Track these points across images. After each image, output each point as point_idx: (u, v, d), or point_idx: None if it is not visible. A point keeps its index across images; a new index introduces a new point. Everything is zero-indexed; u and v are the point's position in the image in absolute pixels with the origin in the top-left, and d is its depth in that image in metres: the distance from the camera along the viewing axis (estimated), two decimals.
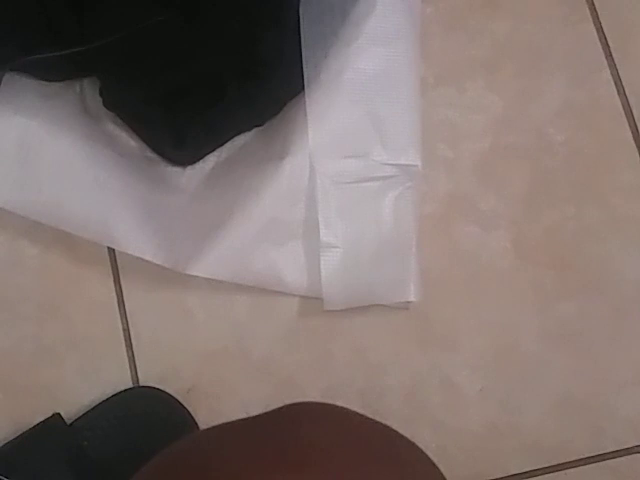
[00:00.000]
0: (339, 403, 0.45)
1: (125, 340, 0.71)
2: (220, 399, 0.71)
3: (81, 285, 0.72)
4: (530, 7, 0.79)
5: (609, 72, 0.78)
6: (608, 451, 0.73)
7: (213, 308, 0.72)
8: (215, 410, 0.71)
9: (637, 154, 0.77)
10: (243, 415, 0.44)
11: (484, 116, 0.77)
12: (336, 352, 0.73)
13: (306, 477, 0.37)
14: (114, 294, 0.72)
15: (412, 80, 0.74)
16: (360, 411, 0.44)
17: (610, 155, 0.77)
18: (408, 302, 0.72)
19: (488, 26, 0.78)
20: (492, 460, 0.73)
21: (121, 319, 0.72)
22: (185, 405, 0.70)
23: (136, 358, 0.71)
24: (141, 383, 0.71)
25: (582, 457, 0.73)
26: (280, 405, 0.44)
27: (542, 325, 0.74)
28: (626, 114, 0.78)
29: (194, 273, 0.68)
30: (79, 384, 0.70)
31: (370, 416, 0.44)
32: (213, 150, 0.73)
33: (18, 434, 0.67)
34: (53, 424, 0.67)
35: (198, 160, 0.73)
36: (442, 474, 0.43)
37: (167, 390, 0.70)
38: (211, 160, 0.74)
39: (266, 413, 0.43)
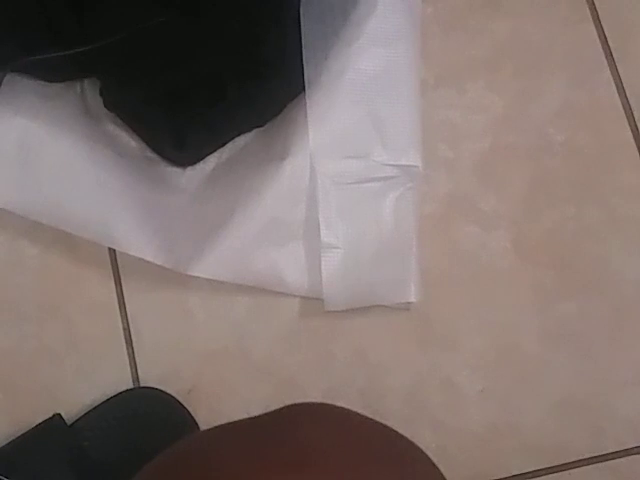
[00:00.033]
0: (340, 403, 0.45)
1: (126, 340, 0.71)
2: (220, 399, 0.71)
3: (81, 285, 0.72)
4: (530, 7, 0.79)
5: (609, 72, 0.78)
6: (608, 451, 0.73)
7: (214, 308, 0.72)
8: (215, 410, 0.71)
9: (637, 154, 0.77)
10: (244, 415, 0.44)
11: (484, 116, 0.77)
12: (337, 352, 0.73)
13: (306, 477, 0.37)
14: (115, 294, 0.72)
15: (412, 80, 0.74)
16: (360, 411, 0.44)
17: (610, 155, 0.77)
18: (409, 302, 0.72)
19: (488, 26, 0.78)
20: (492, 460, 0.73)
21: (121, 319, 0.72)
22: (185, 405, 0.70)
23: (137, 358, 0.71)
24: (142, 383, 0.71)
25: (582, 457, 0.73)
26: (281, 405, 0.44)
27: (542, 325, 0.74)
28: (626, 114, 0.78)
29: (195, 273, 0.68)
30: (79, 384, 0.70)
31: (370, 416, 0.44)
32: (214, 151, 0.73)
33: (18, 434, 0.67)
34: (54, 424, 0.67)
35: (198, 161, 0.73)
36: (442, 474, 0.43)
37: (167, 390, 0.70)
38: (212, 161, 0.74)
39: (266, 413, 0.43)
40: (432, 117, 0.76)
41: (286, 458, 0.38)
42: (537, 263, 0.75)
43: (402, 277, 0.71)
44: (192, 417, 0.70)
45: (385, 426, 0.44)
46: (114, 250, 0.72)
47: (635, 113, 0.78)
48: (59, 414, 0.68)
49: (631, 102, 0.78)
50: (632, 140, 0.77)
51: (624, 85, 0.78)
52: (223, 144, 0.74)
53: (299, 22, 0.69)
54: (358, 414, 0.44)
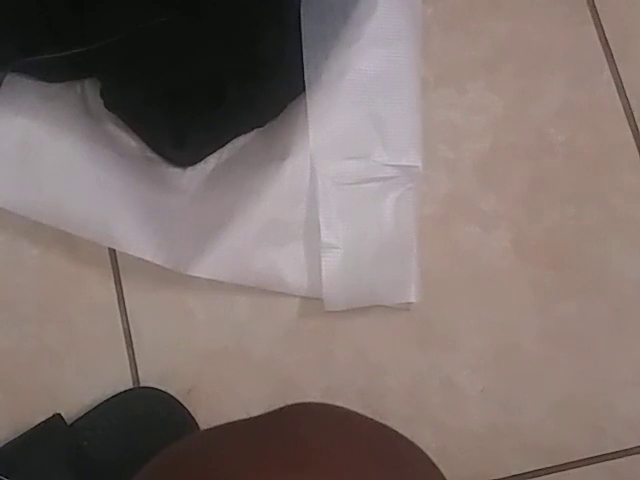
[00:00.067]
0: (339, 403, 0.45)
1: (125, 340, 0.71)
2: (220, 399, 0.71)
3: (81, 285, 0.72)
4: (530, 7, 0.79)
5: (609, 72, 0.78)
6: (608, 452, 0.73)
7: (214, 308, 0.72)
8: (215, 410, 0.71)
9: (637, 154, 0.77)
10: (243, 415, 0.44)
11: (484, 116, 0.77)
12: (337, 352, 0.73)
13: (306, 477, 0.37)
14: (115, 294, 0.72)
15: (413, 81, 0.74)
16: (360, 411, 0.44)
17: (610, 155, 0.77)
18: (409, 303, 0.72)
19: (488, 26, 0.78)
20: (492, 460, 0.73)
21: (121, 319, 0.72)
22: (185, 405, 0.70)
23: (136, 358, 0.71)
24: (141, 383, 0.71)
25: (582, 457, 0.73)
26: (281, 405, 0.44)
27: (542, 325, 0.74)
28: (626, 114, 0.78)
29: (195, 274, 0.68)
30: (79, 384, 0.70)
31: (370, 416, 0.44)
32: (214, 151, 0.73)
33: (18, 434, 0.67)
34: (53, 424, 0.67)
35: (199, 161, 0.73)
36: (442, 474, 0.43)
37: (167, 390, 0.70)
38: (212, 161, 0.74)
39: (266, 413, 0.43)
40: (432, 117, 0.76)
41: (286, 458, 0.38)
42: (537, 263, 0.75)
43: (402, 277, 0.71)
44: (192, 417, 0.70)
45: (385, 426, 0.44)
46: (114, 250, 0.72)
47: (635, 113, 0.78)
48: (59, 414, 0.68)
49: (631, 102, 0.78)
50: (632, 140, 0.77)
51: (624, 85, 0.78)
52: (223, 144, 0.74)
53: (299, 22, 0.69)
54: (358, 414, 0.44)
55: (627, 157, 0.77)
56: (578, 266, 0.75)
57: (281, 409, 0.43)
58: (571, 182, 0.76)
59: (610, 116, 0.78)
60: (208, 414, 0.70)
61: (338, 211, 0.71)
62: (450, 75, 0.77)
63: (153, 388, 0.70)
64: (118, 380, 0.71)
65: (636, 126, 0.77)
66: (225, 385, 0.72)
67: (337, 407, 0.45)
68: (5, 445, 0.66)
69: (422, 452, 0.43)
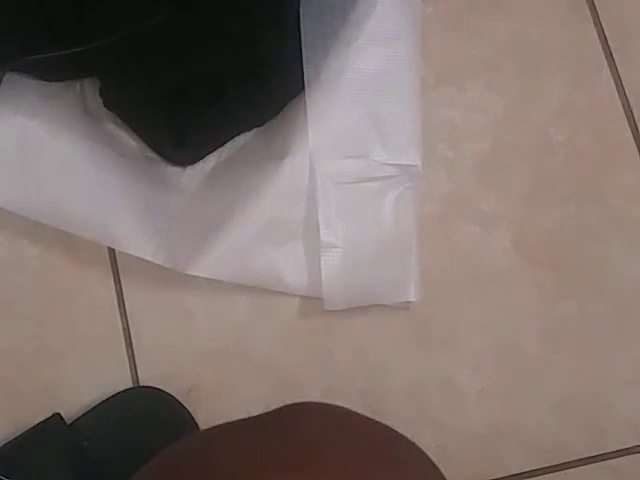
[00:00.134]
0: (339, 403, 0.45)
1: (125, 340, 0.71)
2: (220, 399, 0.71)
3: (81, 285, 0.72)
4: (530, 7, 0.79)
5: (609, 72, 0.78)
6: (608, 451, 0.73)
7: (213, 308, 0.72)
8: (215, 410, 0.71)
9: (637, 154, 0.77)
10: (243, 415, 0.44)
11: (484, 116, 0.77)
12: (336, 352, 0.73)
13: (306, 477, 0.37)
14: (114, 294, 0.72)
15: (412, 80, 0.74)
16: (360, 411, 0.44)
17: (610, 155, 0.77)
18: (408, 302, 0.72)
19: (488, 26, 0.78)
20: (492, 460, 0.73)
21: (121, 319, 0.72)
22: (185, 405, 0.70)
23: (136, 358, 0.71)
24: (141, 383, 0.71)
25: (582, 457, 0.73)
26: (280, 405, 0.44)
27: (542, 325, 0.74)
28: (626, 114, 0.78)
29: (194, 273, 0.68)
30: (79, 384, 0.70)
31: (370, 416, 0.44)
32: (213, 150, 0.73)
33: (18, 434, 0.67)
34: (53, 424, 0.67)
35: (198, 160, 0.73)
36: (442, 474, 0.43)
37: (167, 390, 0.70)
38: (211, 160, 0.74)
39: (266, 413, 0.43)
40: (432, 117, 0.76)
41: (286, 458, 0.38)
42: (537, 263, 0.75)
43: (402, 277, 0.71)
44: (192, 417, 0.70)
45: (385, 426, 0.44)
46: (114, 250, 0.72)
47: (635, 113, 0.78)
48: (59, 414, 0.68)
49: (631, 102, 0.78)
50: (632, 140, 0.77)
51: (624, 85, 0.78)
52: (223, 143, 0.74)
53: (299, 22, 0.69)
54: (358, 414, 0.44)
55: (627, 157, 0.77)
56: (578, 266, 0.75)
57: (281, 409, 0.43)
58: (571, 182, 0.76)
59: (610, 116, 0.78)
60: (208, 414, 0.70)
61: (337, 210, 0.71)
62: (450, 74, 0.77)
63: (153, 388, 0.70)
64: (118, 380, 0.70)
65: (636, 126, 0.77)
66: (225, 385, 0.72)
67: (337, 407, 0.45)
68: (5, 445, 0.66)
69: (422, 452, 0.43)
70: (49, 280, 0.72)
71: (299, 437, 0.40)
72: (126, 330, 0.72)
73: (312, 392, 0.72)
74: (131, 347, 0.71)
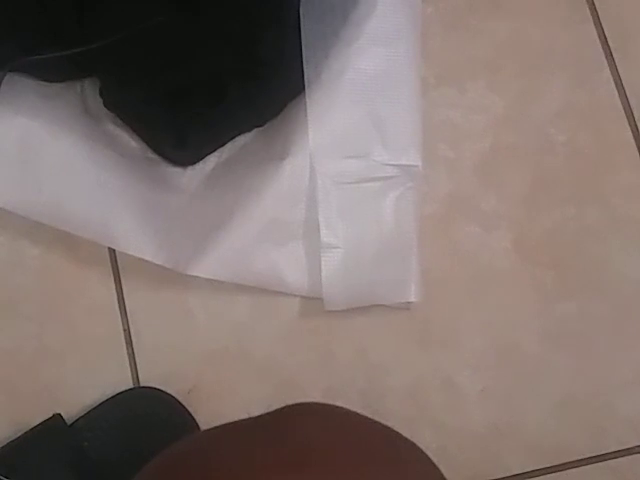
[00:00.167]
0: (340, 403, 0.45)
1: (126, 340, 0.71)
2: (221, 399, 0.71)
3: (82, 285, 0.72)
4: (531, 7, 0.79)
5: (609, 72, 0.78)
6: (609, 451, 0.73)
7: (214, 308, 0.72)
8: (216, 410, 0.71)
9: (637, 154, 0.77)
10: (244, 415, 0.44)
11: (485, 116, 0.77)
12: (337, 352, 0.73)
13: (306, 477, 0.37)
14: (115, 294, 0.72)
15: (413, 80, 0.74)
16: (361, 411, 0.44)
17: (611, 155, 0.77)
18: (409, 302, 0.72)
19: (489, 26, 0.78)
20: (493, 460, 0.73)
21: (122, 319, 0.72)
22: (186, 406, 0.70)
23: (137, 358, 0.71)
24: (142, 383, 0.71)
25: (583, 457, 0.73)
26: (281, 405, 0.44)
27: (543, 325, 0.74)
28: (626, 114, 0.78)
29: (195, 273, 0.68)
30: (80, 384, 0.70)
31: (371, 416, 0.44)
32: (214, 150, 0.73)
33: (18, 435, 0.67)
34: (53, 425, 0.67)
35: (199, 160, 0.73)
36: (442, 474, 0.43)
37: (168, 391, 0.70)
38: (212, 160, 0.74)
39: (267, 413, 0.43)
40: (432, 117, 0.76)
41: (286, 458, 0.38)
42: (537, 263, 0.75)
43: (402, 277, 0.71)
44: (192, 417, 0.70)
45: (385, 426, 0.44)
46: (114, 250, 0.72)
47: (635, 113, 0.78)
48: (59, 414, 0.68)
49: (631, 102, 0.78)
50: (632, 140, 0.77)
51: (624, 85, 0.78)
52: (223, 144, 0.74)
53: (299, 22, 0.69)
54: (358, 414, 0.44)
55: (627, 157, 0.77)
56: (578, 266, 0.75)
57: (281, 409, 0.43)
58: (571, 182, 0.76)
59: (610, 116, 0.78)
60: (208, 414, 0.70)
61: (338, 210, 0.71)
62: (450, 74, 0.77)
63: (153, 388, 0.70)
64: (118, 380, 0.70)
65: (636, 126, 0.77)
66: (225, 385, 0.72)
67: (337, 407, 0.45)
68: (5, 445, 0.66)
69: (422, 452, 0.43)
70: (49, 280, 0.72)
71: (299, 437, 0.40)
72: (126, 330, 0.72)
73: (312, 392, 0.72)
74: (131, 347, 0.71)
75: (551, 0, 0.79)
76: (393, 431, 0.43)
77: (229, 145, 0.74)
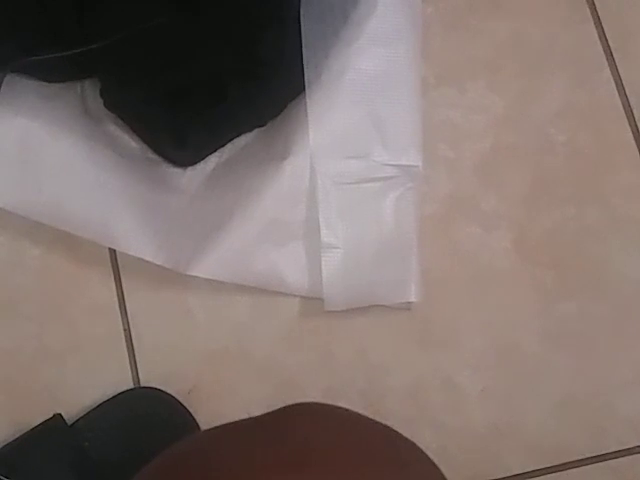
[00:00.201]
0: (340, 403, 0.45)
1: (126, 341, 0.71)
2: (221, 400, 0.71)
3: (82, 286, 0.72)
4: (531, 7, 0.79)
5: (610, 72, 0.78)
6: (609, 451, 0.73)
7: (214, 309, 0.72)
8: (216, 411, 0.71)
9: (637, 154, 0.77)
10: (244, 416, 0.44)
11: (485, 116, 0.77)
12: (337, 352, 0.73)
13: (306, 477, 0.37)
14: (115, 295, 0.72)
15: (413, 80, 0.74)
16: (361, 411, 0.44)
17: (611, 155, 0.77)
18: (409, 302, 0.72)
19: (489, 26, 0.78)
20: (493, 460, 0.73)
21: (122, 319, 0.72)
22: (186, 406, 0.70)
23: (137, 359, 0.71)
24: (142, 384, 0.71)
25: (583, 457, 0.73)
26: (281, 405, 0.44)
27: (543, 325, 0.74)
28: (627, 114, 0.78)
29: (195, 274, 0.68)
30: (80, 384, 0.70)
31: (371, 416, 0.44)
32: (214, 151, 0.73)
33: (19, 435, 0.67)
34: (54, 425, 0.67)
35: (199, 161, 0.73)
36: (443, 474, 0.43)
37: (168, 391, 0.70)
38: (212, 161, 0.74)
39: (267, 414, 0.43)
40: (433, 117, 0.76)
41: (286, 458, 0.38)
42: (537, 263, 0.75)
43: (402, 277, 0.71)
44: (192, 417, 0.70)
45: (386, 426, 0.44)
46: (114, 250, 0.72)
47: (635, 113, 0.78)
48: (59, 414, 0.68)
49: (631, 102, 0.78)
50: (632, 140, 0.77)
51: (624, 85, 0.78)
52: (223, 144, 0.74)
53: (299, 22, 0.69)
54: (358, 414, 0.44)
55: (627, 157, 0.77)
56: (578, 266, 0.75)
57: (281, 409, 0.43)
58: (571, 182, 0.76)
59: (610, 116, 0.78)
60: (209, 414, 0.70)
61: (338, 211, 0.71)
62: (450, 75, 0.77)
63: (154, 388, 0.70)
64: (119, 380, 0.70)
65: (636, 126, 0.77)
66: (226, 385, 0.72)
67: (337, 407, 0.45)
68: (5, 445, 0.66)
69: (422, 452, 0.43)
70: (50, 280, 0.72)
71: (299, 437, 0.40)
72: (127, 331, 0.72)
73: (312, 392, 0.72)
74: (132, 347, 0.71)
75: (551, 0, 0.79)
76: (393, 431, 0.43)
77: (229, 145, 0.74)
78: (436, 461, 0.43)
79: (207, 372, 0.72)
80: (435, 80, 0.77)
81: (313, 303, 0.72)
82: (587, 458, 0.73)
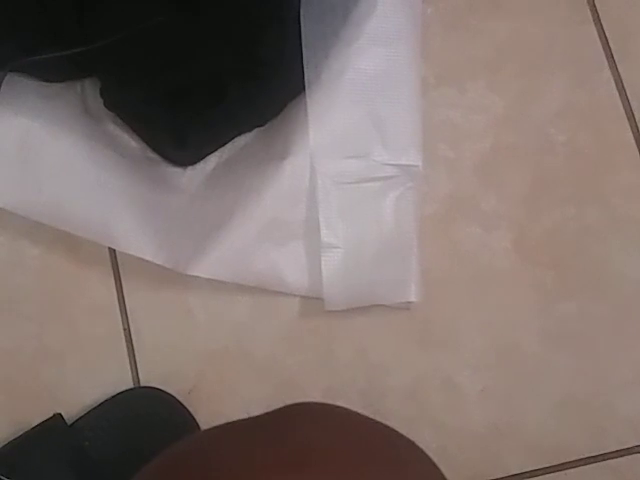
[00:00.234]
0: (340, 403, 0.45)
1: (126, 340, 0.71)
2: (221, 399, 0.71)
3: (82, 285, 0.72)
4: (531, 7, 0.79)
5: (610, 72, 0.78)
6: (609, 451, 0.73)
7: (214, 308, 0.72)
8: (216, 410, 0.71)
9: (637, 154, 0.77)
10: (244, 415, 0.44)
11: (485, 116, 0.77)
12: (337, 352, 0.73)
13: (306, 477, 0.37)
14: (115, 294, 0.72)
15: (413, 80, 0.74)
16: (361, 411, 0.44)
17: (611, 155, 0.77)
18: (409, 302, 0.72)
19: (489, 26, 0.78)
20: (493, 460, 0.73)
21: (122, 319, 0.72)
22: (186, 405, 0.70)
23: (137, 358, 0.71)
24: (142, 383, 0.71)
25: (583, 457, 0.73)
26: (281, 405, 0.44)
27: (543, 325, 0.74)
28: (627, 114, 0.78)
29: (195, 273, 0.68)
30: (80, 384, 0.70)
31: (371, 416, 0.44)
32: (214, 150, 0.73)
33: (19, 434, 0.67)
34: (54, 424, 0.67)
35: (199, 160, 0.73)
36: (443, 474, 0.43)
37: (168, 390, 0.70)
38: (212, 160, 0.74)
39: (267, 413, 0.43)
40: (433, 117, 0.76)
41: (286, 458, 0.38)
42: (537, 263, 0.75)
43: (402, 277, 0.71)
44: (192, 417, 0.70)
45: (386, 426, 0.44)
46: (114, 250, 0.72)
47: (636, 113, 0.78)
48: (59, 414, 0.68)
49: (632, 102, 0.78)
50: (632, 140, 0.77)
51: (625, 85, 0.78)
52: (223, 144, 0.74)
53: (299, 22, 0.69)
54: (358, 414, 0.44)
55: (627, 157, 0.77)
56: (578, 266, 0.75)
57: (281, 409, 0.43)
58: (571, 182, 0.76)
59: (611, 116, 0.78)
60: (209, 414, 0.70)
61: (338, 210, 0.71)
62: (450, 74, 0.77)
63: (154, 388, 0.70)
64: (119, 380, 0.71)
65: (636, 126, 0.77)
66: (226, 385, 0.72)
67: (337, 407, 0.45)
68: (5, 445, 0.66)
69: (422, 452, 0.43)
70: (50, 280, 0.72)
71: (299, 437, 0.40)
72: (127, 330, 0.72)
73: (313, 392, 0.72)
74: (132, 347, 0.71)
75: (551, 0, 0.79)
76: (393, 431, 0.43)
77: (229, 145, 0.74)
78: (436, 461, 0.43)
79: (207, 372, 0.72)
80: (435, 80, 0.77)
81: (313, 303, 0.72)
82: (587, 458, 0.73)
